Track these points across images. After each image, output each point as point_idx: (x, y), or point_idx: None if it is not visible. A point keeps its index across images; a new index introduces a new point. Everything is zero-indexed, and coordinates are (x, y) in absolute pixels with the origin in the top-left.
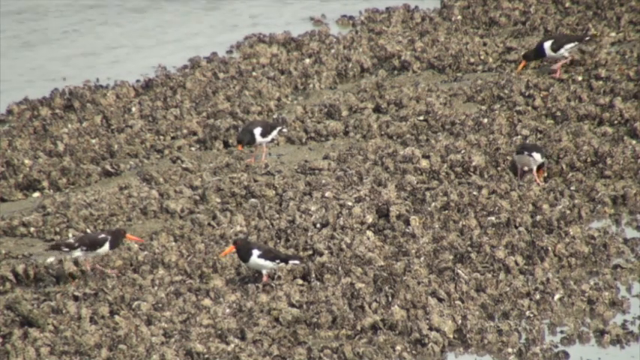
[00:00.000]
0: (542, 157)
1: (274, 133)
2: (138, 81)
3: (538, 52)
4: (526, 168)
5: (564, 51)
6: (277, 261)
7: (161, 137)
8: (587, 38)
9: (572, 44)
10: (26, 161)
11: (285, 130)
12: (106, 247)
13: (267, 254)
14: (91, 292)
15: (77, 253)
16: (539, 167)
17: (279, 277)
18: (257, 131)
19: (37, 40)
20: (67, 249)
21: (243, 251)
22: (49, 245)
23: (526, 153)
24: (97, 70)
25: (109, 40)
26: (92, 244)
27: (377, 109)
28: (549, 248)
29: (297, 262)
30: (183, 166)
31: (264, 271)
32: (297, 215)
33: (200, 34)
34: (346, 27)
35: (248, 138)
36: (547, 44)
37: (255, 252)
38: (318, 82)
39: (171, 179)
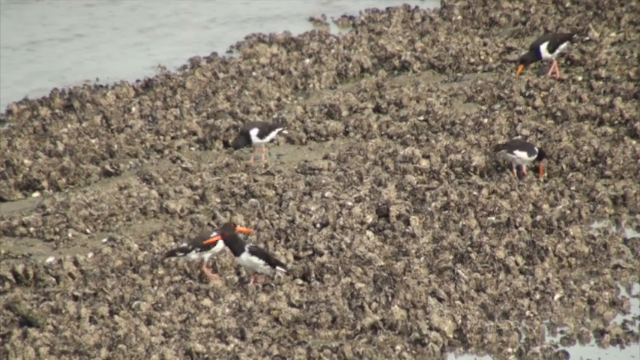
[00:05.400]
0: (531, 156)
1: (273, 134)
2: (138, 81)
3: (534, 55)
4: (525, 168)
5: (559, 51)
6: (264, 262)
7: (161, 137)
8: (577, 36)
9: (565, 43)
10: (26, 161)
11: (285, 131)
12: (220, 244)
13: (258, 253)
14: (90, 292)
15: (193, 256)
16: (539, 160)
17: (279, 277)
18: (253, 132)
19: (37, 40)
20: (182, 254)
21: (236, 244)
22: (164, 254)
23: (504, 151)
24: (97, 70)
25: (110, 39)
26: (205, 245)
27: (377, 109)
28: (549, 248)
29: (283, 269)
30: (183, 166)
31: (258, 270)
32: (297, 215)
33: (200, 34)
34: (346, 27)
35: (243, 141)
36: (543, 46)
37: (247, 247)
38: (318, 82)
39: (171, 179)
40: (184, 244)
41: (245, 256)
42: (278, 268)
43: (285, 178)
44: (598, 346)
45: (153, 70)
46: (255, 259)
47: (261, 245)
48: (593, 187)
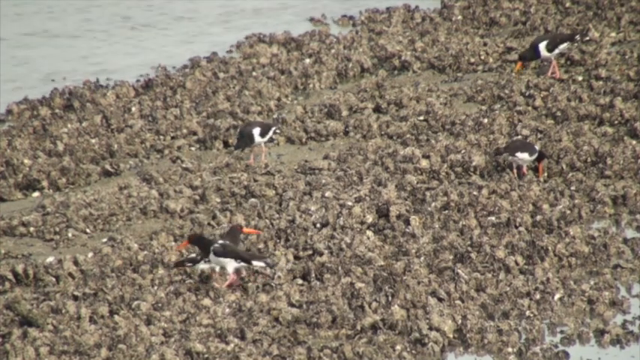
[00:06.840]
0: (532, 155)
1: (271, 132)
2: (138, 81)
3: (533, 53)
4: (525, 167)
5: (558, 51)
6: (238, 260)
7: (161, 137)
8: (578, 37)
9: (565, 44)
10: (26, 161)
11: (278, 131)
12: None
13: (225, 253)
14: (90, 292)
15: (202, 266)
16: (539, 160)
17: (279, 277)
18: (256, 132)
19: (37, 40)
20: (190, 264)
21: (202, 247)
22: (173, 263)
23: (505, 154)
24: (96, 70)
25: (109, 39)
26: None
27: (377, 109)
28: (549, 248)
29: (262, 264)
30: (183, 166)
31: (229, 268)
32: (297, 215)
33: (199, 34)
34: (346, 27)
35: (248, 142)
36: (542, 45)
37: (212, 248)
38: (318, 82)
39: (171, 179)
40: (193, 255)
41: (212, 257)
42: (255, 263)
43: (285, 178)
44: (598, 346)
45: (153, 70)
46: (221, 259)
47: (261, 245)
48: (593, 187)
